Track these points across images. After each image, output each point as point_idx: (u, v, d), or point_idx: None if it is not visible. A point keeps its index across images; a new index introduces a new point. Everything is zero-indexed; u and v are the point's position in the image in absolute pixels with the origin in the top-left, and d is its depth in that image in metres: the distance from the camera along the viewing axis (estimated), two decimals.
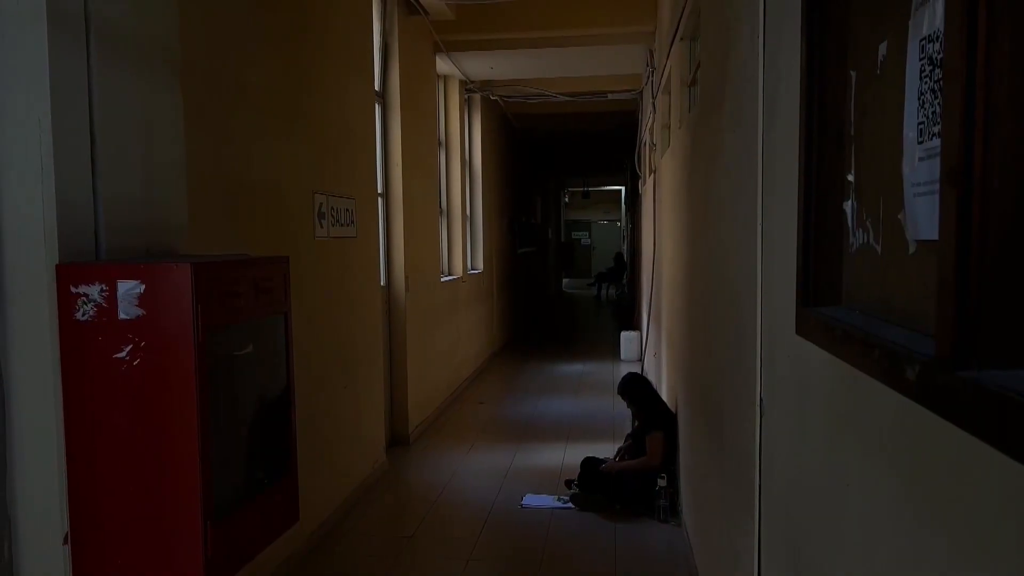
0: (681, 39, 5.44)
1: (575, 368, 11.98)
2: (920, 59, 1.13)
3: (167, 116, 2.71)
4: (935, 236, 1.04)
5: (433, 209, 9.04)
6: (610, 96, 11.68)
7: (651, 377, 7.67)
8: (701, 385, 4.22)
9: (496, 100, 12.22)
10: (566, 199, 29.76)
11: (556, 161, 21.43)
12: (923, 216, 1.13)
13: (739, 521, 2.83)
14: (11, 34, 2.17)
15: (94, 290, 2.20)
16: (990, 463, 0.91)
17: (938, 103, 1.05)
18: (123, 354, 2.20)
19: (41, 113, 2.17)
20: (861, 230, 1.44)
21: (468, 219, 11.60)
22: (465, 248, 11.08)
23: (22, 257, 2.20)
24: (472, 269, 11.79)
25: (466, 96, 11.16)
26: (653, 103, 8.20)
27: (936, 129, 1.07)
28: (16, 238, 2.20)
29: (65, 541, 2.25)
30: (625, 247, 25.34)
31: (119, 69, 2.45)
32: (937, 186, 1.04)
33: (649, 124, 8.99)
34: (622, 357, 12.14)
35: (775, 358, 2.21)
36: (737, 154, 2.90)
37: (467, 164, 11.49)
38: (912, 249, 1.20)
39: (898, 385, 1.14)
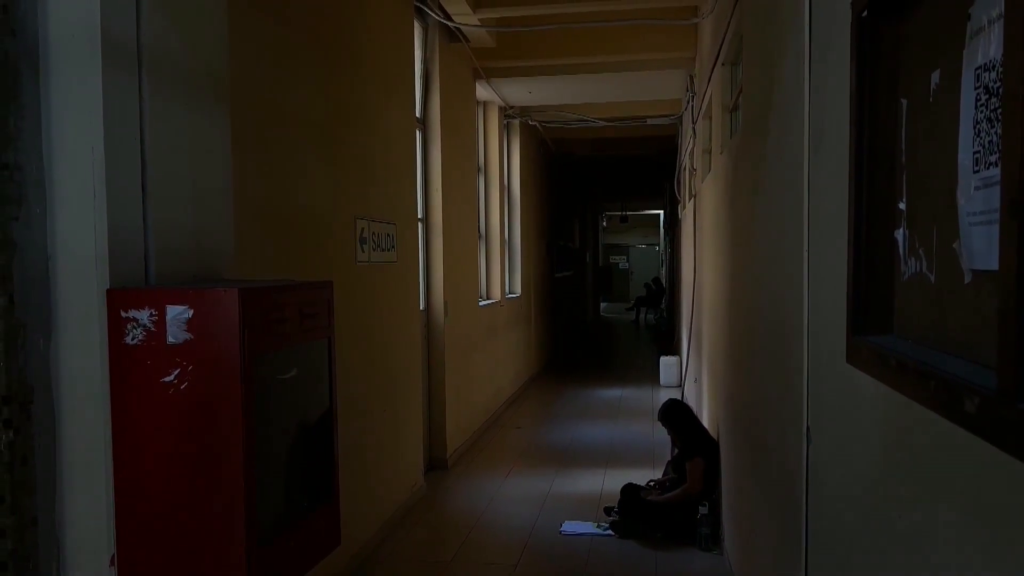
0: (722, 64, 5.43)
1: (614, 393, 11.90)
2: (975, 88, 1.12)
3: (215, 143, 2.76)
4: (992, 266, 1.02)
5: (472, 234, 9.08)
6: (649, 121, 11.68)
7: (692, 403, 7.59)
8: (744, 412, 4.17)
9: (534, 125, 12.28)
10: (604, 223, 29.73)
11: (594, 185, 21.45)
12: (979, 245, 1.11)
13: (785, 551, 2.78)
14: (66, 65, 2.23)
15: (143, 315, 2.23)
16: None
17: (995, 132, 1.04)
18: (171, 378, 2.22)
19: (94, 142, 2.22)
20: (914, 258, 1.42)
21: (506, 243, 11.63)
22: (503, 272, 11.11)
23: (73, 282, 2.24)
24: (510, 293, 11.81)
25: (505, 122, 11.23)
26: (693, 128, 8.18)
27: (993, 158, 1.05)
28: (68, 263, 2.24)
29: (112, 563, 2.27)
30: (663, 272, 25.22)
31: (170, 98, 2.50)
32: (994, 215, 1.02)
33: (689, 149, 8.96)
34: (662, 382, 12.04)
35: (823, 387, 2.18)
36: (782, 181, 2.88)
37: (506, 189, 11.54)
38: (968, 279, 1.18)
39: (956, 417, 1.12)
